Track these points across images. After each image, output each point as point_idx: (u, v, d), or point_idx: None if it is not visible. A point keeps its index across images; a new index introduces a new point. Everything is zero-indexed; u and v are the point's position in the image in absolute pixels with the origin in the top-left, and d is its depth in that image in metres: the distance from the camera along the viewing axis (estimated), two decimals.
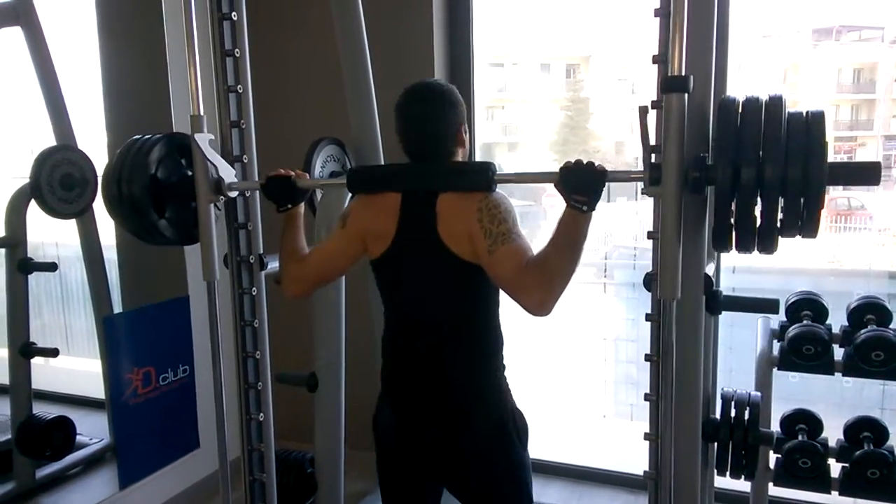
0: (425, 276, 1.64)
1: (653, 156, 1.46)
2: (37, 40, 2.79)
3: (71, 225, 2.97)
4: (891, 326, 2.41)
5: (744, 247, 1.50)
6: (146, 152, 1.90)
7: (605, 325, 4.00)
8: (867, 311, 2.44)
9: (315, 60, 3.17)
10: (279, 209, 1.82)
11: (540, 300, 1.47)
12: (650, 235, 1.62)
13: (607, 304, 4.16)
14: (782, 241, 1.52)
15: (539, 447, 3.30)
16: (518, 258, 1.51)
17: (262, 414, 2.07)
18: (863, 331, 2.35)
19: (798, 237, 1.48)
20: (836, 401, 2.96)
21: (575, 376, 4.19)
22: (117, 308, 3.06)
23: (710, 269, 1.76)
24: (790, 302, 2.58)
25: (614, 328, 4.01)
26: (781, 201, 1.43)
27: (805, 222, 1.42)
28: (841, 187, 5.03)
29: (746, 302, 2.13)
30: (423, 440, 1.72)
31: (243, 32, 1.96)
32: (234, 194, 1.91)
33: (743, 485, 2.45)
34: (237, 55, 1.95)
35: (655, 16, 1.53)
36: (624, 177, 1.55)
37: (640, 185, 1.50)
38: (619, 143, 6.08)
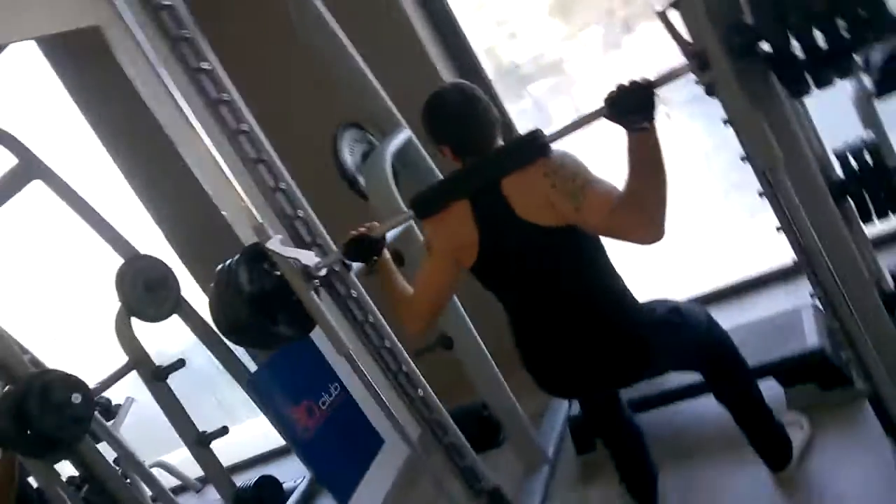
0: (526, 259, 1.65)
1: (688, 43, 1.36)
2: (59, 185, 2.86)
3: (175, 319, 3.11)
4: None
5: (823, 80, 1.36)
6: (235, 278, 1.92)
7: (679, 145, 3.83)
8: None
9: (291, 56, 3.09)
10: (370, 267, 1.84)
11: (645, 234, 1.45)
12: (725, 122, 1.51)
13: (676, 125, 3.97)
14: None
15: (681, 286, 3.29)
16: (606, 205, 1.47)
17: (420, 390, 2.14)
18: None
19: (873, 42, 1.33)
20: None
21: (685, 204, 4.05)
22: (250, 365, 3.20)
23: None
24: None
25: (691, 143, 3.84)
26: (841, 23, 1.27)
27: (876, 28, 1.26)
28: None
29: None
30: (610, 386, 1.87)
31: (262, 143, 2.01)
32: (323, 272, 1.92)
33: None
34: (266, 159, 2.01)
35: None
36: (671, 77, 1.43)
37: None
38: None
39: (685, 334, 1.78)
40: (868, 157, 1.87)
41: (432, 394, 2.17)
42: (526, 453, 2.57)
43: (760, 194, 1.61)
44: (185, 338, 3.29)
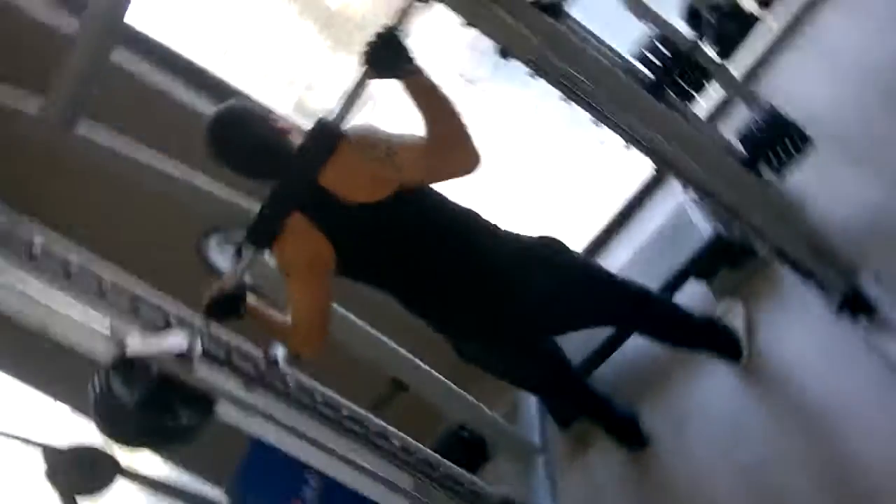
0: (381, 239, 1.62)
1: None
2: None
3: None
4: None
5: None
6: (114, 395, 1.82)
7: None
8: None
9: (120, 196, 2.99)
10: (239, 317, 1.76)
11: (464, 163, 1.48)
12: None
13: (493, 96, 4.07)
14: None
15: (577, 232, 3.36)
16: (417, 155, 1.50)
17: (394, 440, 2.13)
18: None
19: None
20: None
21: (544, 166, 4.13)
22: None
23: None
24: None
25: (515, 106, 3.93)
26: None
27: None
28: None
29: None
30: (503, 328, 1.76)
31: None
32: (199, 350, 1.86)
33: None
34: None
35: None
36: (404, 15, 1.45)
37: None
38: None
39: (562, 271, 1.76)
40: (664, 49, 2.00)
41: (408, 438, 2.15)
42: (516, 452, 2.59)
43: (594, 123, 1.71)
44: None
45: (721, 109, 2.81)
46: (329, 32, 5.49)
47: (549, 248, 1.74)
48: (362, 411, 2.12)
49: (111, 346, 1.80)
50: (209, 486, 3.01)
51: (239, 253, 2.36)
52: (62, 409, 3.03)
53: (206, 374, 1.87)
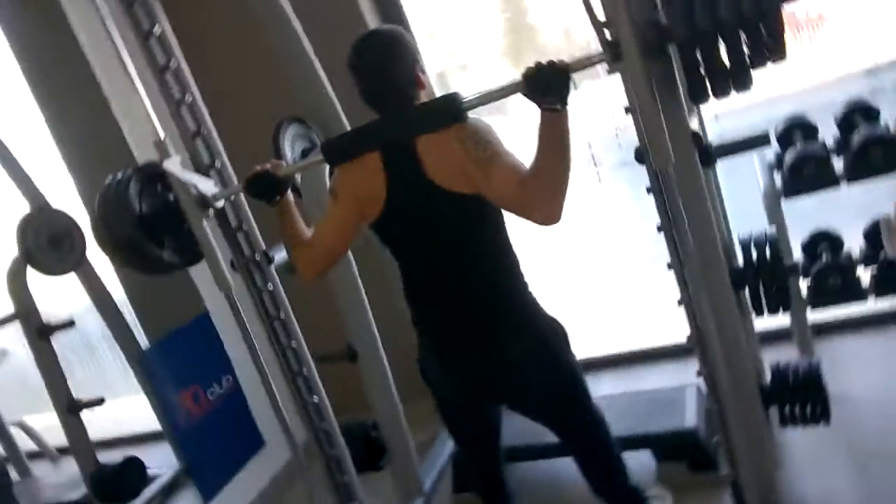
0: (430, 221, 1.65)
1: (606, 32, 1.44)
2: None
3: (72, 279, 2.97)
4: (881, 122, 2.42)
5: (721, 91, 1.50)
6: (123, 192, 1.87)
7: (604, 211, 3.99)
8: (855, 113, 2.44)
9: (244, 38, 3.07)
10: (270, 204, 1.80)
11: (546, 213, 1.49)
12: (628, 110, 1.62)
13: (604, 190, 4.15)
14: (756, 75, 1.52)
15: (579, 346, 3.40)
16: (514, 177, 1.51)
17: (315, 396, 2.13)
18: (856, 135, 2.36)
19: (769, 64, 1.48)
20: (847, 214, 2.99)
21: (592, 267, 4.22)
22: (142, 340, 3.09)
23: (693, 125, 1.76)
24: (779, 130, 2.59)
25: (617, 211, 4.02)
26: (743, 36, 1.42)
27: (772, 48, 1.42)
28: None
29: (738, 144, 2.15)
30: (471, 371, 1.75)
31: (171, 48, 1.91)
32: (220, 204, 1.90)
33: (781, 318, 2.52)
34: (174, 67, 1.91)
35: None
36: (586, 63, 1.52)
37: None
38: (565, 29, 5.95)
39: (560, 363, 1.74)
40: (768, 251, 2.01)
41: (327, 402, 2.16)
42: (404, 482, 2.57)
43: (669, 266, 1.71)
44: (79, 301, 3.16)
45: (774, 337, 2.80)
46: (511, 37, 5.64)
47: (560, 338, 1.74)
48: (307, 353, 2.13)
49: (155, 151, 1.82)
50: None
51: (305, 154, 2.44)
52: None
53: (210, 230, 1.88)
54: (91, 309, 3.13)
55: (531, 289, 1.74)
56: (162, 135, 1.82)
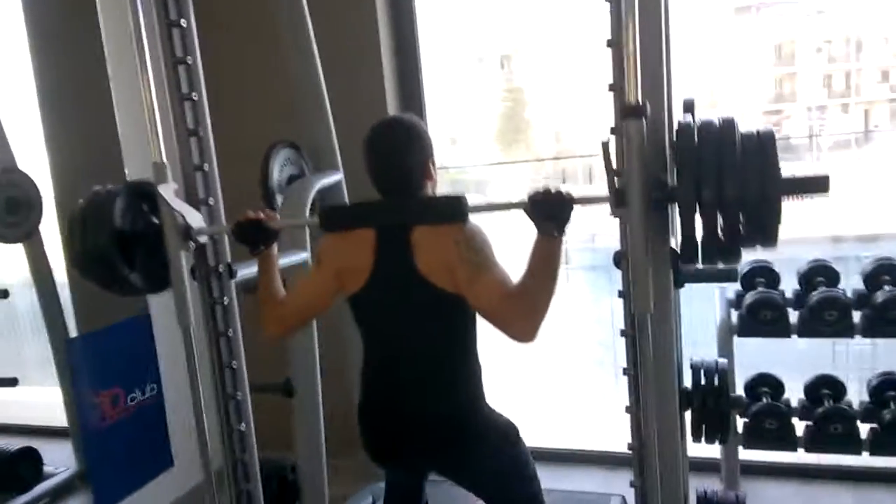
0: (405, 309, 1.66)
1: (616, 179, 1.51)
2: None
3: (17, 249, 2.87)
4: (839, 286, 2.55)
5: (709, 259, 1.56)
6: (110, 203, 1.85)
7: (564, 310, 4.06)
8: (816, 273, 2.57)
9: (262, 62, 3.12)
10: (252, 252, 1.80)
11: (524, 330, 1.52)
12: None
13: (570, 290, 4.24)
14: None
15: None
16: (500, 289, 1.54)
17: (243, 424, 2.05)
18: (814, 293, 2.47)
19: (758, 248, 1.55)
20: (790, 362, 3.10)
21: (546, 361, 4.25)
22: (72, 332, 2.97)
23: (672, 243, 1.82)
24: (744, 271, 2.69)
25: (577, 311, 4.09)
26: (741, 216, 1.48)
27: (766, 235, 1.48)
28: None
29: (706, 274, 2.21)
30: (413, 465, 1.79)
31: (199, 79, 1.93)
32: (203, 239, 1.89)
33: (711, 451, 2.56)
34: (195, 98, 1.92)
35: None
36: (590, 201, 1.58)
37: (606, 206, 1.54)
38: (556, 133, 6.17)
39: (511, 460, 1.77)
40: (716, 380, 2.05)
41: (253, 433, 2.08)
42: None
43: (624, 372, 1.74)
44: (16, 275, 3.03)
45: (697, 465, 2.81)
46: (506, 125, 5.85)
47: (506, 440, 1.75)
48: (245, 377, 2.07)
49: (152, 172, 1.81)
50: None
51: (291, 180, 2.45)
52: None
53: (183, 261, 1.86)
54: (26, 286, 3.02)
55: (486, 397, 1.75)
56: (164, 158, 1.80)
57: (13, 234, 2.71)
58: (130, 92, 1.89)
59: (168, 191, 1.79)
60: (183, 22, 1.90)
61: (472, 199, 1.63)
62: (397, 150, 1.68)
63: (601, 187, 1.54)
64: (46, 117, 3.04)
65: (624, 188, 1.48)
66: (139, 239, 1.91)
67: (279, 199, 2.39)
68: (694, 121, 1.56)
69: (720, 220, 1.48)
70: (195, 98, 1.92)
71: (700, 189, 1.46)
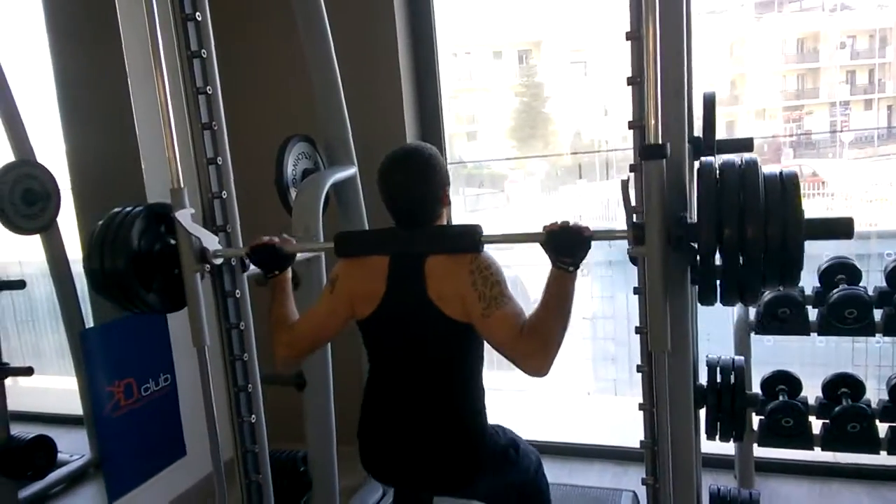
0: (413, 336, 1.67)
1: (634, 216, 1.51)
2: None
3: (35, 241, 2.89)
4: (860, 284, 2.50)
5: (728, 301, 1.54)
6: (129, 225, 1.87)
7: (581, 304, 4.04)
8: (837, 271, 2.51)
9: (279, 57, 3.13)
10: (266, 277, 1.82)
11: (538, 365, 1.52)
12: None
13: (583, 284, 4.22)
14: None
15: (528, 427, 3.37)
16: (513, 323, 1.54)
17: (253, 416, 2.05)
18: (835, 291, 2.43)
19: (778, 287, 1.52)
20: (809, 360, 3.05)
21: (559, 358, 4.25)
22: (88, 322, 2.99)
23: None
24: None
25: (591, 307, 4.07)
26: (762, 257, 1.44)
27: (787, 277, 1.45)
28: (791, 155, 5.20)
29: None
30: (411, 487, 1.80)
31: (214, 72, 1.92)
32: (218, 261, 1.90)
33: (725, 448, 2.53)
34: (209, 92, 1.91)
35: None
36: (608, 236, 1.58)
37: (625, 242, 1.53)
38: (576, 132, 6.13)
39: (514, 475, 1.81)
40: (733, 378, 2.02)
41: (264, 424, 2.08)
42: None
43: (638, 369, 1.71)
44: (35, 266, 3.06)
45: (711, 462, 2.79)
46: (523, 121, 5.83)
47: (510, 457, 1.77)
48: (257, 370, 2.07)
49: (172, 197, 1.82)
50: None
51: (305, 175, 2.45)
52: None
53: (199, 283, 1.87)
54: (44, 277, 3.04)
55: (487, 419, 1.75)
56: (182, 183, 1.81)
57: (31, 226, 2.74)
58: (147, 85, 1.87)
59: (185, 217, 1.80)
60: (199, 15, 1.89)
61: (486, 230, 1.63)
62: (413, 182, 1.68)
63: (619, 218, 1.53)
64: (64, 109, 3.07)
65: (643, 224, 1.47)
66: (156, 260, 1.92)
67: (293, 192, 2.39)
68: (715, 160, 1.53)
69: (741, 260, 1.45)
70: (209, 92, 1.91)
71: (721, 229, 1.43)
